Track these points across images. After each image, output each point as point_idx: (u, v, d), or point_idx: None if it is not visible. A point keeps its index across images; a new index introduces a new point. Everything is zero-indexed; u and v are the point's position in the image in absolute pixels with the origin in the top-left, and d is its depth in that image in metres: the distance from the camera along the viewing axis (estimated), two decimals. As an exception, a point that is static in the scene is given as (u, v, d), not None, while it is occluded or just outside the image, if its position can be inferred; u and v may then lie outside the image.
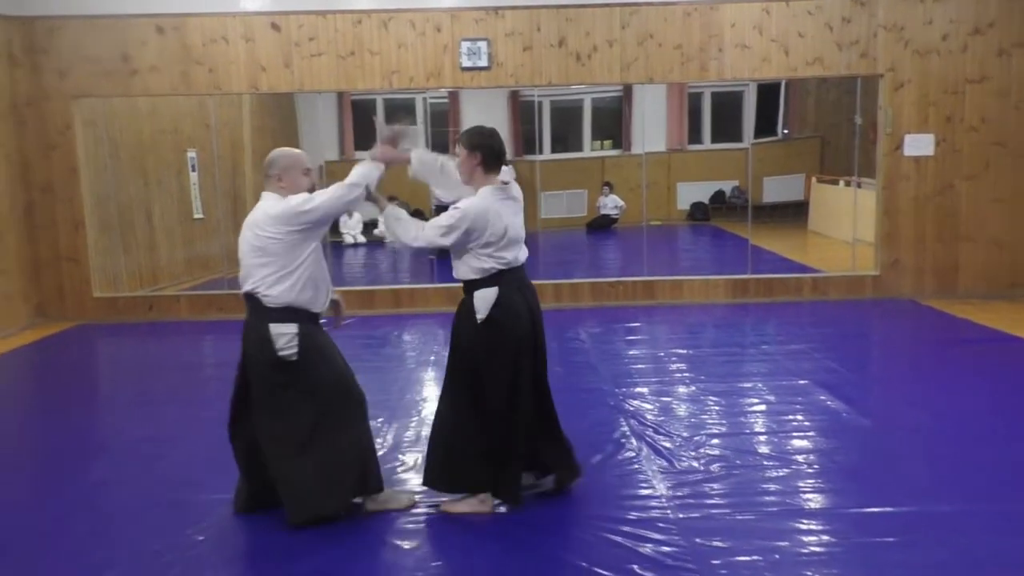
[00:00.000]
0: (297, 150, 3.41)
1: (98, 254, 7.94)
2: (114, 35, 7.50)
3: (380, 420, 4.66)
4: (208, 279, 9.12)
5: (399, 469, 4.00)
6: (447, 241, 3.29)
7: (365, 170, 3.35)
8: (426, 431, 4.46)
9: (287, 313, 3.24)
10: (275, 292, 3.22)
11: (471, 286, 3.37)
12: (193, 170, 9.36)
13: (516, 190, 3.47)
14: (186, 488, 3.81)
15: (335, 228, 12.72)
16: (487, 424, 3.36)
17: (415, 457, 4.10)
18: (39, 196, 7.70)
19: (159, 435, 4.60)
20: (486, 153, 3.36)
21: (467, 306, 3.38)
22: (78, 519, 3.56)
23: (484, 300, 3.31)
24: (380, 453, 4.10)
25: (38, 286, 7.77)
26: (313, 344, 3.29)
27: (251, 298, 3.28)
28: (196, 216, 9.49)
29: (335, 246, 12.16)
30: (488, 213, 3.28)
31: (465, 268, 3.37)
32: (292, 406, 3.28)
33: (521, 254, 3.44)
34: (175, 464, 4.15)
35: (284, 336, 3.22)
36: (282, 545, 3.23)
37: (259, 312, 3.25)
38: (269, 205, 3.25)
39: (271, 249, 3.20)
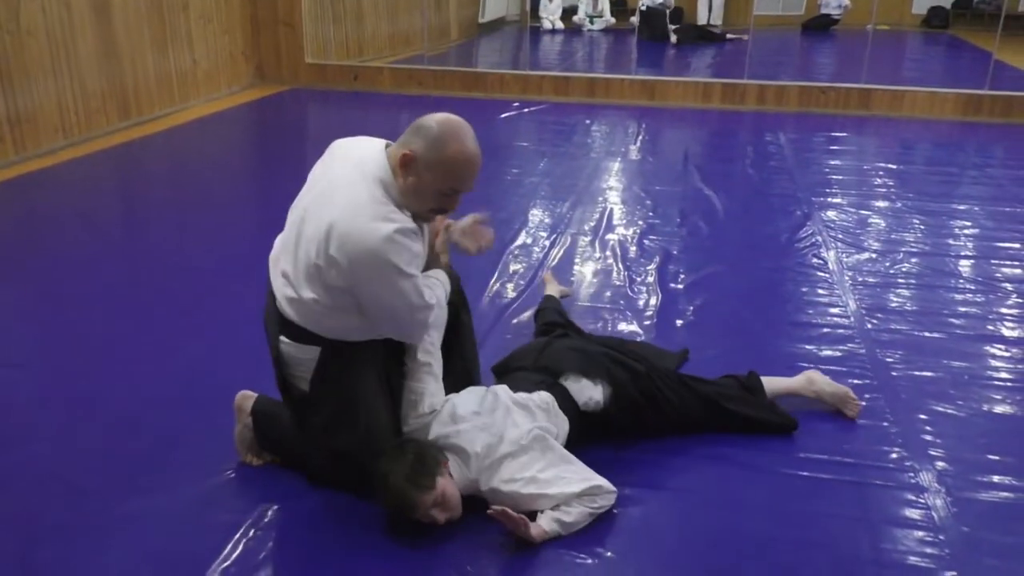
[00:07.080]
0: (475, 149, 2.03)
1: (311, 21, 8.22)
2: None
3: (567, 204, 4.74)
4: (409, 55, 9.27)
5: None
6: None
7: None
8: (608, 218, 4.51)
9: None
10: None
11: None
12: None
13: None
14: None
15: (535, 11, 12.40)
16: None
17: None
18: (259, -41, 7.96)
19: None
20: None
21: None
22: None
23: None
24: (561, 236, 4.23)
25: (257, 48, 8.21)
26: None
27: None
28: (401, -10, 9.54)
29: (533, 31, 11.92)
30: None
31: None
32: None
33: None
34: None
35: None
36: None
37: None
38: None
39: None
